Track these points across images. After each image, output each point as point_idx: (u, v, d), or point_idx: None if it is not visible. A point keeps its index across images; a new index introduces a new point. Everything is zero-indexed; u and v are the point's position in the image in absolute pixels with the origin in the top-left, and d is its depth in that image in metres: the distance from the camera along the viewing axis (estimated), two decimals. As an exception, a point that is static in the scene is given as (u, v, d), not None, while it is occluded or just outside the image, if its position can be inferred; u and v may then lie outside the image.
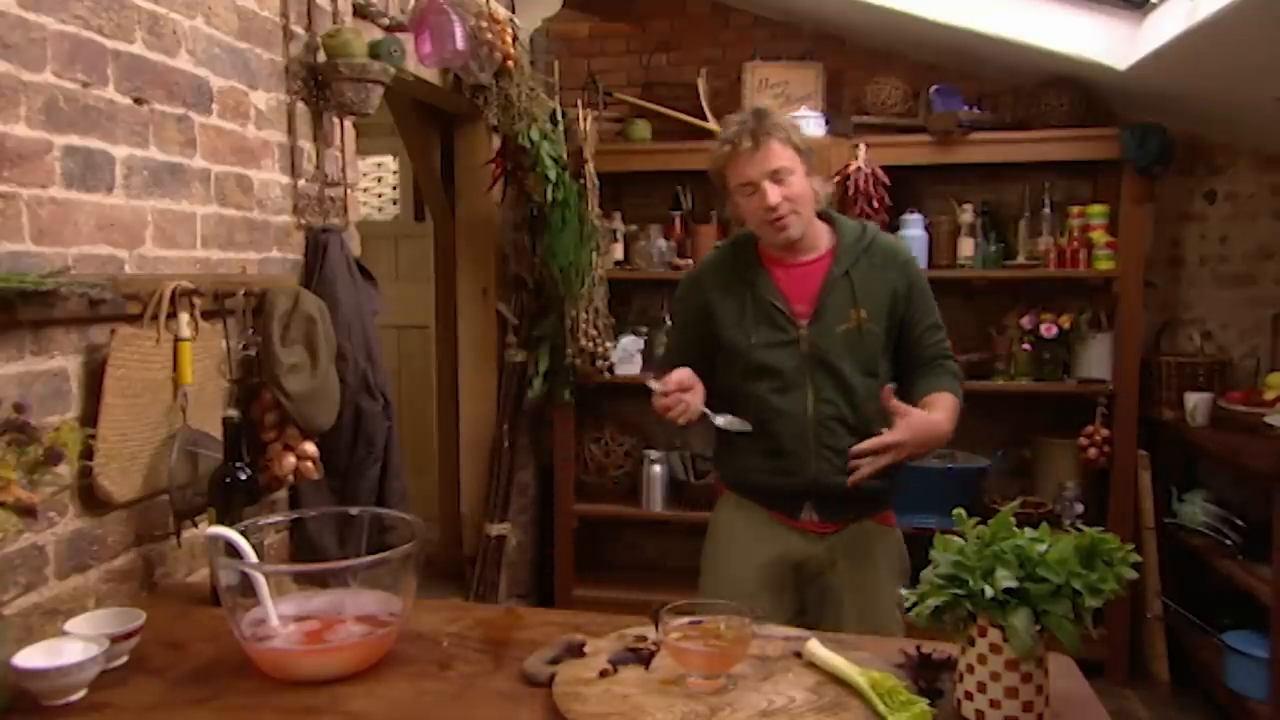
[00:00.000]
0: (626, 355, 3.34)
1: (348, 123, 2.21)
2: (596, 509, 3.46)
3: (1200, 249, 3.27)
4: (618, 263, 3.36)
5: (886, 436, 1.62)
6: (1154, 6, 2.53)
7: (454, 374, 3.54)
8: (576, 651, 1.26)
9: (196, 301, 1.63)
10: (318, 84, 2.07)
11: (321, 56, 2.07)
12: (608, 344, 3.20)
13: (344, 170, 2.21)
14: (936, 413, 1.69)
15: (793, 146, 1.71)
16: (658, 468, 3.37)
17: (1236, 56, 2.39)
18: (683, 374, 1.68)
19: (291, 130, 2.02)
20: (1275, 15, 2.05)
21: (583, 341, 3.13)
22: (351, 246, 2.20)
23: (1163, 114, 2.96)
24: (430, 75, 2.70)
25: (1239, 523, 2.81)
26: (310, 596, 1.36)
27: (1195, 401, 2.95)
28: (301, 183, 2.06)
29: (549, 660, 1.24)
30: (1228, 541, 2.80)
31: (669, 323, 1.94)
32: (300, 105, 2.05)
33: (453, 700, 1.18)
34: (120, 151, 1.54)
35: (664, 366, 1.83)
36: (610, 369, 3.27)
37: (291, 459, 1.83)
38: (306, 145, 2.08)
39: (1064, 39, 2.78)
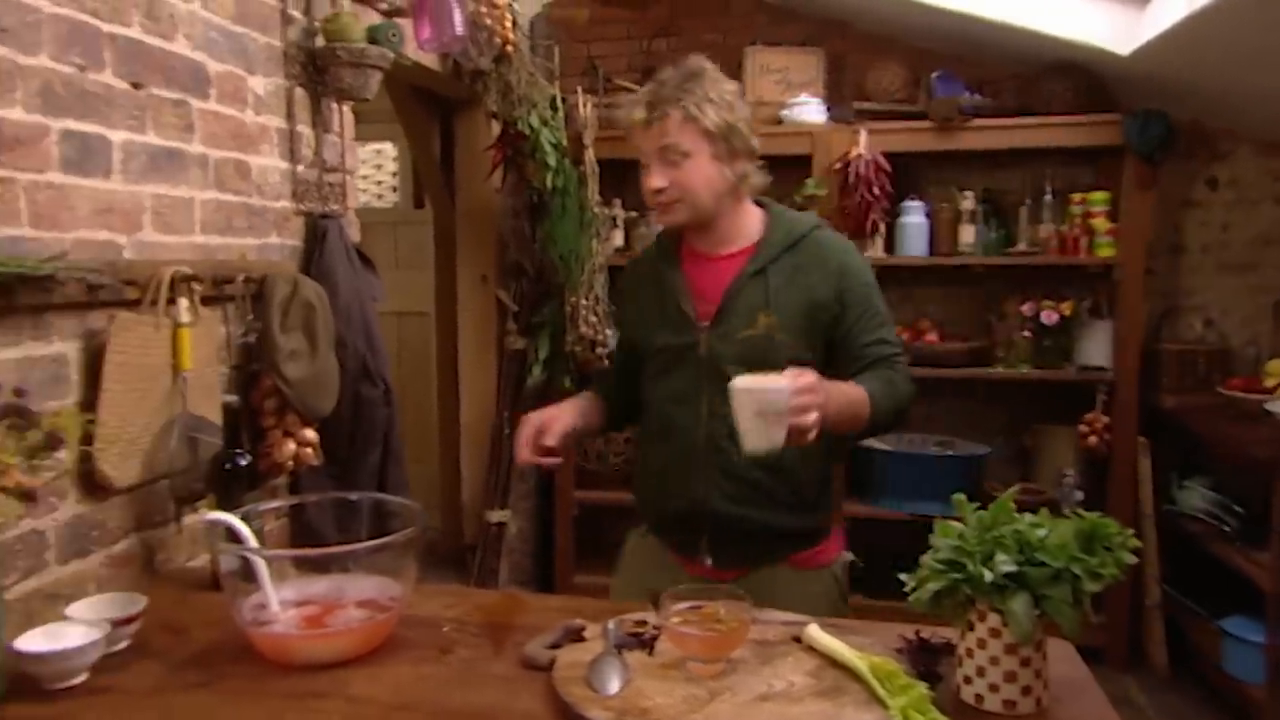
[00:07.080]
0: (626, 342, 3.33)
1: (346, 108, 2.20)
2: (597, 496, 3.46)
3: (1202, 236, 3.27)
4: (618, 249, 3.36)
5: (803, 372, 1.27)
6: (1157, -9, 2.51)
7: (454, 361, 3.53)
8: (576, 636, 1.27)
9: (196, 287, 1.62)
10: (316, 69, 2.06)
11: (320, 41, 2.05)
12: (607, 331, 3.19)
13: (343, 156, 2.20)
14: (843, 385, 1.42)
15: (697, 125, 1.45)
16: (658, 455, 3.36)
17: (1237, 43, 2.37)
18: (553, 423, 1.52)
19: (290, 115, 2.01)
20: (1274, 1, 2.04)
21: (582, 328, 3.12)
22: (351, 233, 2.19)
23: (1165, 100, 2.95)
24: (429, 61, 2.68)
25: (1238, 509, 2.81)
26: (311, 582, 1.36)
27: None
28: (300, 168, 2.05)
29: (549, 645, 1.25)
30: (1226, 528, 2.81)
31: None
32: (299, 90, 2.04)
33: (453, 684, 1.18)
34: (118, 136, 1.53)
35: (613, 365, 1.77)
36: (609, 356, 3.26)
37: (292, 445, 1.83)
38: (305, 130, 2.07)
39: (1066, 25, 2.77)
